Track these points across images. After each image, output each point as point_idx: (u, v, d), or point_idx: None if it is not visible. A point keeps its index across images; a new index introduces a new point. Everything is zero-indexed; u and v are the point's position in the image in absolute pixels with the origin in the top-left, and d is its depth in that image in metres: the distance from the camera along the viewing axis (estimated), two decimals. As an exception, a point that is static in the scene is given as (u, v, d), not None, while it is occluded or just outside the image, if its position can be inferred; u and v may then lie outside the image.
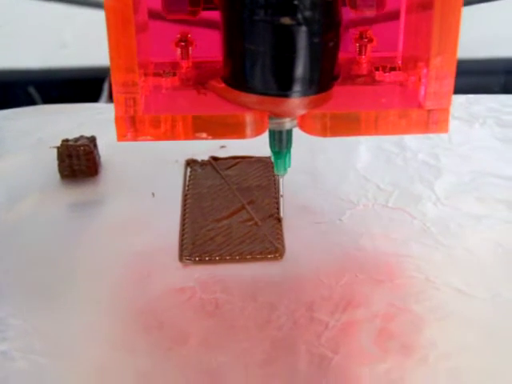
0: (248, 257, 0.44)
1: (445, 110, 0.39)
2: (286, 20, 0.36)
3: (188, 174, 0.52)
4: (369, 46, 0.44)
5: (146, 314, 0.40)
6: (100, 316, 0.40)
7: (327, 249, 0.45)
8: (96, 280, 0.43)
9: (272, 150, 0.43)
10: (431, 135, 0.57)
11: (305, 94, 0.38)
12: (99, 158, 0.54)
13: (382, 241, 0.45)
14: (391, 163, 0.54)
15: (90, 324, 0.40)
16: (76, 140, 0.52)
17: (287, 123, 0.41)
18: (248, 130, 0.39)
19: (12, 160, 0.56)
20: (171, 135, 0.39)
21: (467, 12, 0.72)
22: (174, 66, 0.44)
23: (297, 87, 0.38)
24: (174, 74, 0.42)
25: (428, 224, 0.47)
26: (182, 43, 0.43)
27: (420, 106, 0.39)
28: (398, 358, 0.37)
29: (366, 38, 0.44)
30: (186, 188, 0.50)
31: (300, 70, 0.37)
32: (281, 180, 0.45)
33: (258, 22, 0.36)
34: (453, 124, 0.58)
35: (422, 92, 0.39)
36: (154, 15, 0.42)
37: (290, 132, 0.42)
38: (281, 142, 0.42)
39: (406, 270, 0.43)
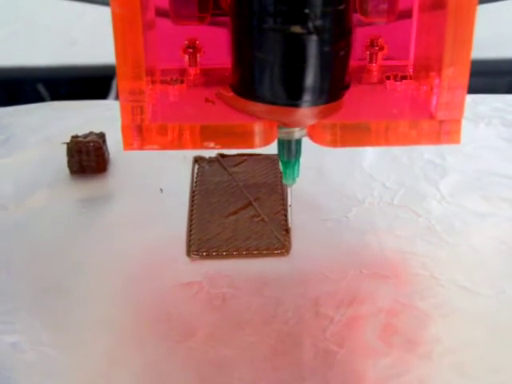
0: (255, 252, 0.44)
1: (457, 121, 0.38)
2: (297, 28, 0.35)
3: (196, 170, 0.53)
4: (380, 53, 0.43)
5: (153, 308, 0.41)
6: (108, 309, 0.41)
7: (333, 245, 0.45)
8: (104, 274, 0.43)
9: (281, 160, 0.43)
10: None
11: (315, 103, 0.37)
12: (108, 154, 0.54)
13: (388, 238, 0.46)
14: (397, 162, 0.54)
15: (98, 317, 0.40)
16: (85, 136, 0.53)
17: (296, 133, 0.40)
18: (257, 140, 0.38)
19: (21, 156, 0.56)
20: (178, 144, 0.38)
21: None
22: (182, 72, 0.43)
23: (307, 97, 0.37)
24: (182, 82, 0.41)
25: (433, 222, 0.47)
26: (190, 50, 0.43)
27: (432, 117, 0.38)
28: (402, 352, 0.37)
29: (377, 45, 0.43)
30: (194, 184, 0.51)
31: (310, 79, 0.36)
32: (289, 190, 0.45)
33: (267, 30, 0.36)
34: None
35: (434, 102, 0.38)
36: (161, 13, 0.41)
37: (299, 141, 0.41)
38: (290, 151, 0.41)
39: (411, 266, 0.43)
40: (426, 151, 0.55)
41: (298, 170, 0.43)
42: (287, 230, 0.46)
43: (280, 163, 0.43)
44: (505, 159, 0.54)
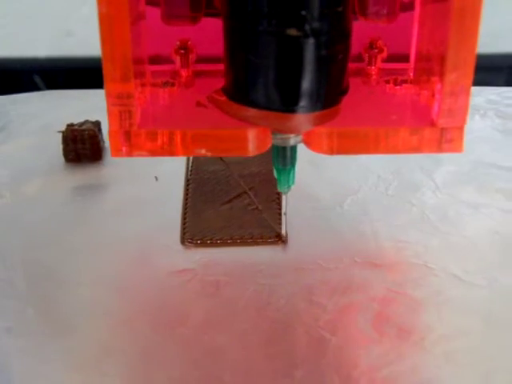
0: (249, 240, 0.44)
1: (459, 128, 0.36)
2: (293, 31, 0.33)
3: (191, 159, 0.53)
4: (379, 56, 0.42)
5: (147, 295, 0.41)
6: (102, 296, 0.41)
7: (327, 234, 0.45)
8: (98, 262, 0.44)
9: (275, 167, 0.41)
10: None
11: (311, 109, 0.35)
12: (103, 142, 0.54)
13: (382, 227, 0.46)
14: (392, 153, 0.54)
15: (91, 304, 0.40)
16: (81, 124, 0.53)
17: (292, 139, 0.38)
18: (250, 147, 0.36)
19: (18, 143, 0.56)
20: (169, 150, 0.36)
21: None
22: (174, 74, 0.41)
23: (303, 102, 0.35)
24: (173, 85, 0.40)
25: (427, 212, 0.47)
26: (182, 51, 0.41)
27: (433, 124, 0.36)
28: (394, 340, 0.37)
29: (377, 47, 0.42)
30: (189, 173, 0.51)
31: (307, 84, 0.34)
32: (284, 198, 0.43)
33: (262, 32, 0.33)
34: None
35: (436, 108, 0.36)
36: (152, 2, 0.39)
37: (294, 148, 0.39)
38: (285, 158, 0.39)
39: (405, 256, 0.43)
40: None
41: (293, 177, 0.41)
42: (281, 238, 0.45)
43: (274, 169, 0.41)
44: (499, 150, 0.54)
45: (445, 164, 0.53)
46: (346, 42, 0.36)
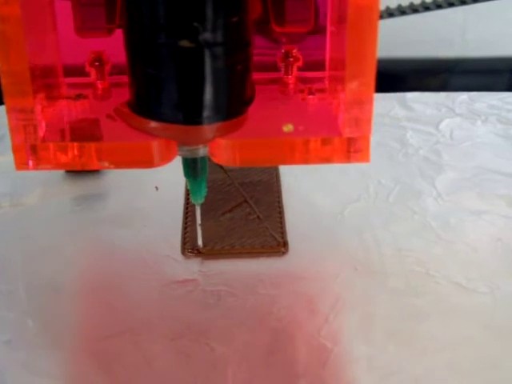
0: (250, 250, 0.44)
1: (365, 138, 0.36)
2: (185, 43, 0.33)
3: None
4: (295, 65, 0.41)
5: (148, 306, 0.41)
6: (102, 307, 0.41)
7: (328, 243, 0.45)
8: (98, 272, 0.43)
9: (187, 178, 0.40)
10: (433, 131, 0.57)
11: (212, 121, 0.35)
12: (103, 152, 0.54)
13: (383, 235, 0.46)
14: (393, 159, 0.54)
15: (91, 315, 0.40)
16: (80, 134, 0.53)
17: (200, 150, 0.38)
18: (156, 159, 0.36)
19: (17, 154, 0.56)
20: (81, 163, 0.36)
21: (473, 10, 0.72)
22: (89, 86, 0.41)
23: (202, 114, 0.35)
24: (86, 97, 0.40)
25: (429, 219, 0.47)
26: (97, 63, 0.41)
27: (339, 134, 0.36)
28: (397, 350, 0.37)
29: (292, 56, 0.41)
30: (189, 182, 0.51)
31: (205, 95, 0.34)
32: (197, 208, 0.43)
33: (155, 45, 0.33)
34: (455, 121, 0.59)
35: (341, 118, 0.36)
36: None
37: (204, 159, 0.39)
38: (195, 170, 0.39)
39: (407, 263, 0.43)
40: (422, 148, 0.55)
41: (205, 187, 0.41)
42: (198, 250, 0.44)
43: (187, 181, 0.41)
44: (501, 156, 0.54)
45: (446, 170, 0.52)
46: (246, 52, 0.35)
